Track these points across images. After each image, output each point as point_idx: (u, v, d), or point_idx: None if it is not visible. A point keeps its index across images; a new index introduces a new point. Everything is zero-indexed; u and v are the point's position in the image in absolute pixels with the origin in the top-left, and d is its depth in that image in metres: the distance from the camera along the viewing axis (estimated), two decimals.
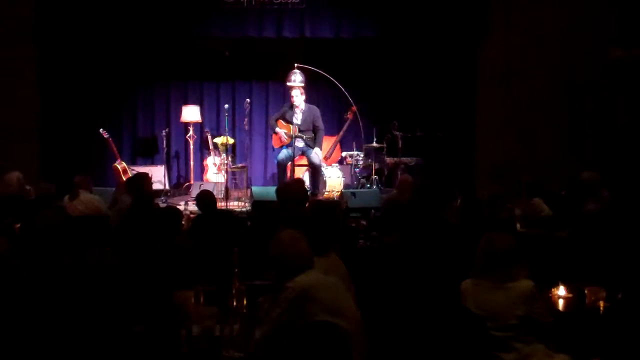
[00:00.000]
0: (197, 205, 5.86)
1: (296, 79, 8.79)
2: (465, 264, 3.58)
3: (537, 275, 3.50)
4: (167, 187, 9.58)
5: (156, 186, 8.41)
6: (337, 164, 9.43)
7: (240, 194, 9.07)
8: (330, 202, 7.72)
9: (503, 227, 4.55)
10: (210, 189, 7.00)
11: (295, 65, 8.87)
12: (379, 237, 5.22)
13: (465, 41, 9.25)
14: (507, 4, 9.21)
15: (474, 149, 9.44)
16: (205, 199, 5.76)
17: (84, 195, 6.41)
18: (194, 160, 9.83)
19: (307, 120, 8.65)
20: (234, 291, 3.59)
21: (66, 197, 6.44)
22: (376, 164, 9.22)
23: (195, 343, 3.13)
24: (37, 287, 3.10)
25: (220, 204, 7.62)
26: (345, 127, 9.44)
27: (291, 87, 8.80)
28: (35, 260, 3.47)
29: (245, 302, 3.59)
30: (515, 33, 9.17)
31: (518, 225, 5.72)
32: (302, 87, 8.77)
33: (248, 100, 9.21)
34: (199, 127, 10.08)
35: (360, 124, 9.29)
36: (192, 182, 9.64)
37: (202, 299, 3.65)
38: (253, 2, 9.02)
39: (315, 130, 8.70)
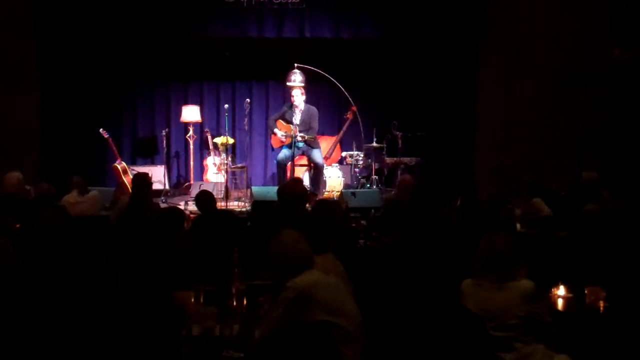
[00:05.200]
0: (197, 205, 5.86)
1: (296, 79, 8.79)
2: (465, 264, 3.58)
3: (537, 275, 3.50)
4: (167, 187, 9.58)
5: (156, 186, 8.41)
6: (337, 164, 9.44)
7: (240, 194, 9.06)
8: (331, 201, 7.72)
9: (503, 227, 4.54)
10: (210, 189, 7.01)
11: (295, 65, 8.88)
12: (379, 237, 5.23)
13: (465, 41, 9.25)
14: (507, 4, 9.21)
15: (474, 149, 9.44)
16: (205, 199, 5.75)
17: (92, 193, 6.57)
18: (194, 160, 9.83)
19: (306, 120, 8.65)
20: (234, 291, 3.59)
21: (75, 191, 6.56)
22: (376, 164, 9.22)
23: (195, 343, 3.13)
24: (37, 287, 3.10)
25: (220, 204, 7.62)
26: (345, 127, 9.45)
27: (291, 87, 8.81)
28: (36, 260, 3.47)
29: (245, 302, 3.59)
30: (515, 33, 9.17)
31: (518, 225, 5.71)
32: (302, 87, 8.77)
33: (248, 100, 9.21)
34: (199, 127, 10.08)
35: (360, 124, 9.29)
36: (192, 182, 9.64)
37: (202, 299, 3.65)
38: (253, 2, 9.02)
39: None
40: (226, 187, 8.66)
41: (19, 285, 3.10)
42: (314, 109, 8.81)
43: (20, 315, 2.81)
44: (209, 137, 9.68)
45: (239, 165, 9.63)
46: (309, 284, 3.15)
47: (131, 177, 8.42)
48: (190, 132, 9.76)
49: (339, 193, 8.53)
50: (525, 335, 3.27)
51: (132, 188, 6.40)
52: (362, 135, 9.28)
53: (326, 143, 9.45)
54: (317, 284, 3.17)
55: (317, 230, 3.84)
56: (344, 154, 9.52)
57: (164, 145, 9.74)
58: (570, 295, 3.94)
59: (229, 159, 9.25)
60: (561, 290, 3.96)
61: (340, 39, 9.32)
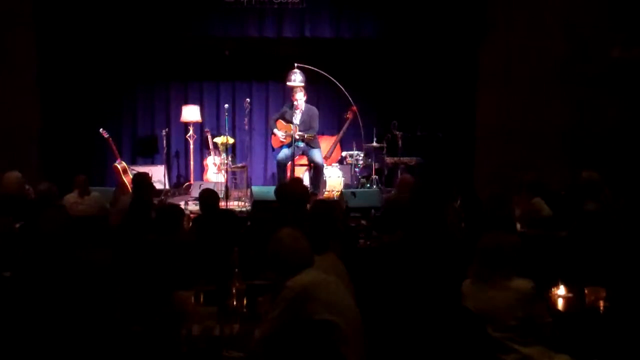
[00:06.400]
0: (200, 203, 5.83)
1: (296, 78, 8.79)
2: (466, 264, 3.58)
3: (537, 275, 3.50)
4: (167, 186, 9.59)
5: (156, 186, 8.41)
6: (337, 164, 9.44)
7: (240, 193, 9.06)
8: (330, 202, 7.73)
9: (503, 227, 4.55)
10: None
11: (295, 65, 8.88)
12: (379, 236, 5.23)
13: (465, 41, 9.25)
14: (507, 4, 9.21)
15: (474, 149, 9.44)
16: (209, 197, 5.72)
17: (94, 194, 6.58)
18: (194, 160, 9.84)
19: (306, 120, 8.66)
20: (234, 291, 3.59)
21: (76, 192, 6.56)
22: (376, 164, 9.22)
23: (195, 343, 3.13)
24: (37, 286, 3.10)
25: (220, 204, 7.60)
26: (345, 127, 9.45)
27: (293, 88, 8.81)
28: (36, 259, 3.47)
29: (245, 302, 3.59)
30: (515, 32, 9.16)
31: (518, 225, 5.71)
32: (303, 87, 8.77)
33: (248, 100, 9.21)
34: (199, 127, 10.09)
35: (360, 124, 9.29)
36: (192, 182, 9.65)
37: (202, 299, 3.65)
38: (253, 2, 9.03)
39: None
40: (226, 187, 8.66)
41: (15, 283, 3.10)
42: (314, 109, 8.81)
43: (20, 314, 2.81)
44: (209, 137, 9.68)
45: (239, 165, 9.63)
46: (309, 283, 3.14)
47: (131, 177, 8.42)
48: (190, 132, 9.77)
49: (339, 193, 8.53)
50: (525, 336, 3.27)
51: (132, 188, 6.40)
52: (362, 135, 9.28)
53: (326, 143, 9.45)
54: (316, 283, 3.17)
55: (317, 230, 3.84)
56: (344, 153, 9.52)
57: (164, 145, 9.74)
58: (570, 295, 3.94)
59: (229, 158, 9.25)
60: (561, 290, 3.96)
61: (340, 38, 9.32)
